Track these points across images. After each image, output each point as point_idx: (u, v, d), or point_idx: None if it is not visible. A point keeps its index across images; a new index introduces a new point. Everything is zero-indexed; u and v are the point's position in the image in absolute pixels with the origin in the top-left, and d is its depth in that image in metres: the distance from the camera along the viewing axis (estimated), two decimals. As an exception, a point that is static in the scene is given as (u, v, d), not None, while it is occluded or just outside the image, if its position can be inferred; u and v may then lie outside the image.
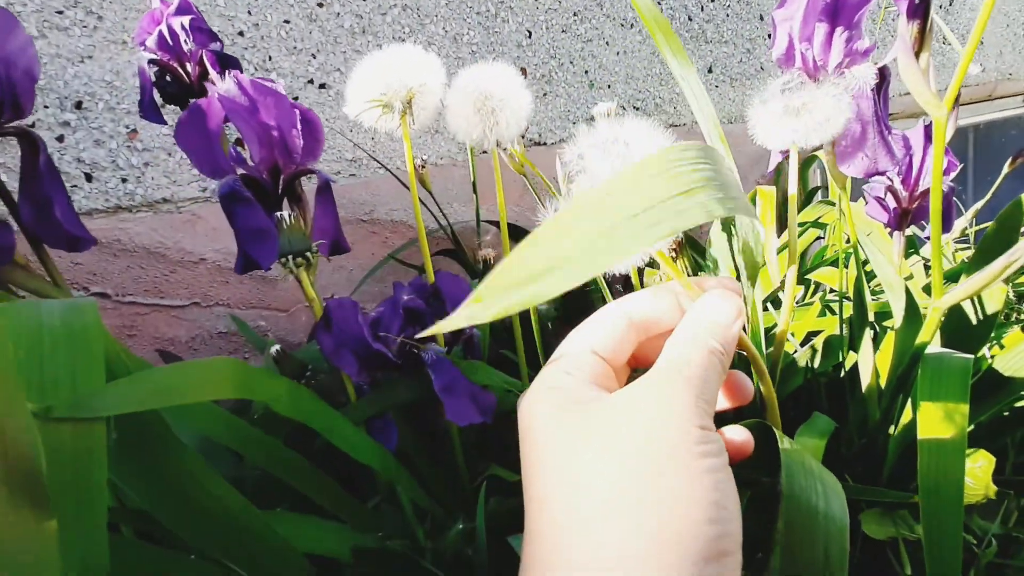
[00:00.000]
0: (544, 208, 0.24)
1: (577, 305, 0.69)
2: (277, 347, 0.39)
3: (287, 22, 0.73)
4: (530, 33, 0.91)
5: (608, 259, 0.15)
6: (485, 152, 0.95)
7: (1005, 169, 0.89)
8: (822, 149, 0.40)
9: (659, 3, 1.03)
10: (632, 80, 1.03)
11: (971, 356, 0.38)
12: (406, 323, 0.42)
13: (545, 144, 0.96)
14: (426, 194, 0.79)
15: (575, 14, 0.95)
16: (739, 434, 0.24)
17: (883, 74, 0.35)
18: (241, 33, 0.70)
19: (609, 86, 1.01)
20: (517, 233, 0.93)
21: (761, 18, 1.17)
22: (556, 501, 0.18)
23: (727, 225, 0.40)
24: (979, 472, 0.42)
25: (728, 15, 1.12)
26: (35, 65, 0.38)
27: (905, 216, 0.55)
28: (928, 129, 0.51)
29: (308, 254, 0.37)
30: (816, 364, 0.55)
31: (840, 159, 0.38)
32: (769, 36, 1.22)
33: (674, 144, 0.19)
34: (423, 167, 0.73)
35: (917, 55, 0.28)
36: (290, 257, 0.36)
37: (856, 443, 0.54)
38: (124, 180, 0.67)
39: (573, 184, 0.21)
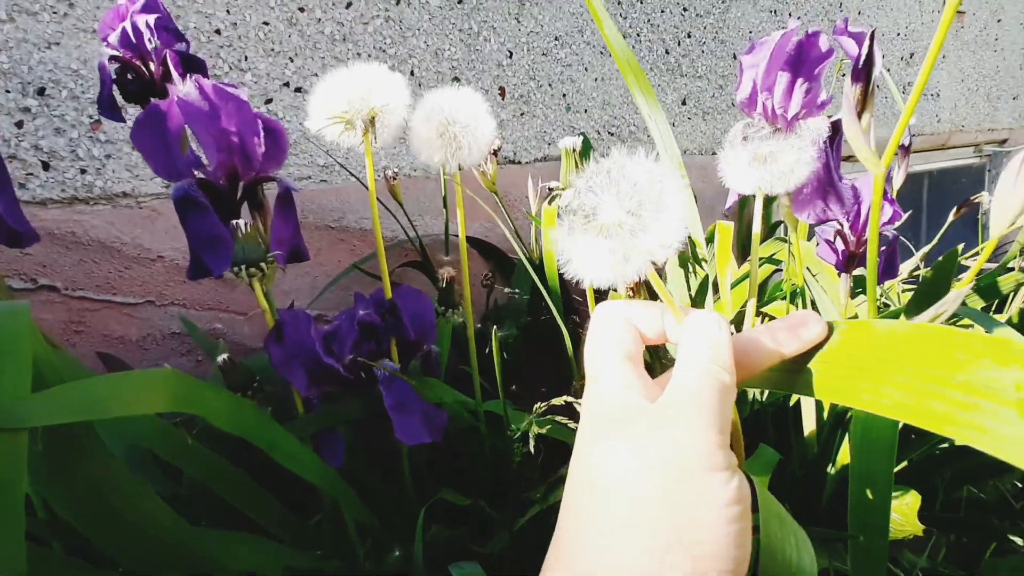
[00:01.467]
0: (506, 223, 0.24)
1: (537, 331, 0.70)
2: (225, 356, 0.38)
3: (266, 23, 0.73)
4: (511, 53, 0.93)
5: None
6: (461, 168, 0.96)
7: (951, 217, 0.94)
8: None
9: (638, 35, 1.06)
10: (608, 107, 1.05)
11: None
12: (361, 339, 0.41)
13: (519, 163, 0.97)
14: (396, 206, 0.79)
15: (556, 38, 0.97)
16: None
17: (835, 127, 0.37)
18: (218, 31, 0.70)
19: (586, 111, 1.03)
20: (486, 249, 0.93)
21: (734, 56, 1.21)
22: (582, 508, 0.19)
23: (684, 263, 0.41)
24: (906, 509, 0.44)
25: (703, 51, 1.16)
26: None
27: (852, 259, 0.58)
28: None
29: (263, 264, 0.36)
30: (764, 396, 0.57)
31: (795, 206, 0.39)
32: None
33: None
34: (395, 178, 0.73)
35: (859, 115, 0.30)
36: (243, 267, 0.35)
37: (798, 475, 0.56)
38: (83, 171, 0.65)
39: (574, 215, 0.22)
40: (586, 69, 1.01)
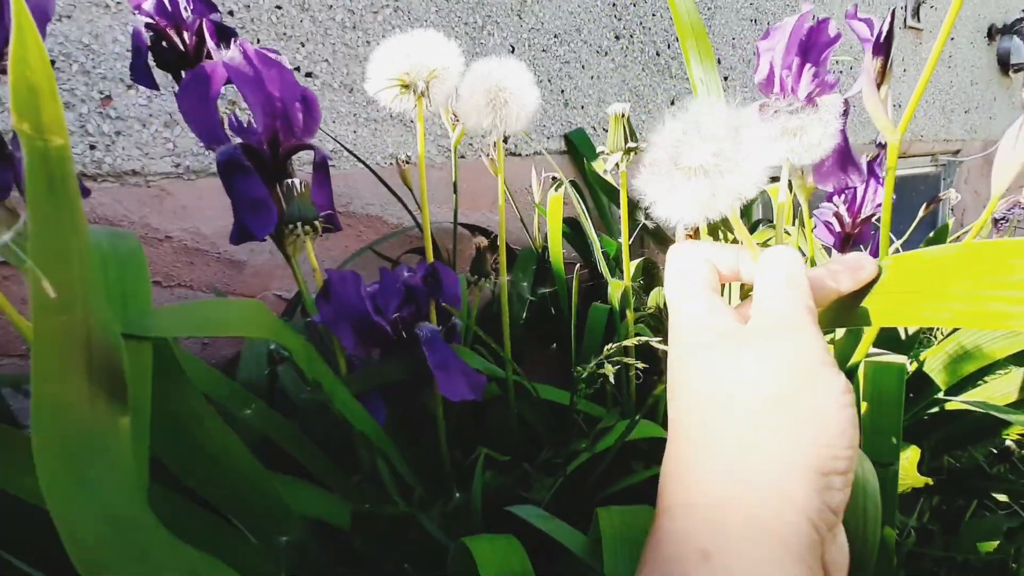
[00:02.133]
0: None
1: (538, 318, 0.72)
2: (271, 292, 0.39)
3: (279, 7, 0.73)
4: (513, 48, 0.95)
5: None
6: (463, 157, 0.97)
7: (921, 213, 1.01)
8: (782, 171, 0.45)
9: (631, 36, 1.11)
10: (603, 104, 1.09)
11: (903, 361, 0.43)
12: (404, 301, 0.43)
13: (520, 155, 0.99)
14: (403, 192, 0.80)
15: (556, 36, 1.00)
16: None
17: (846, 105, 0.40)
18: (231, 13, 0.70)
19: (583, 107, 1.06)
20: (488, 237, 0.95)
21: (719, 61, 1.27)
22: (701, 424, 0.21)
23: (712, 230, 0.44)
24: (907, 463, 0.48)
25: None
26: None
27: (848, 239, 0.62)
28: (871, 164, 0.58)
29: (316, 222, 0.37)
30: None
31: (818, 177, 0.43)
32: (726, 79, 1.32)
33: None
34: (407, 163, 0.74)
35: (879, 87, 0.33)
36: (299, 224, 0.36)
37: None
38: (92, 147, 0.64)
39: (658, 161, 0.23)
40: (583, 67, 1.05)
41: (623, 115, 0.39)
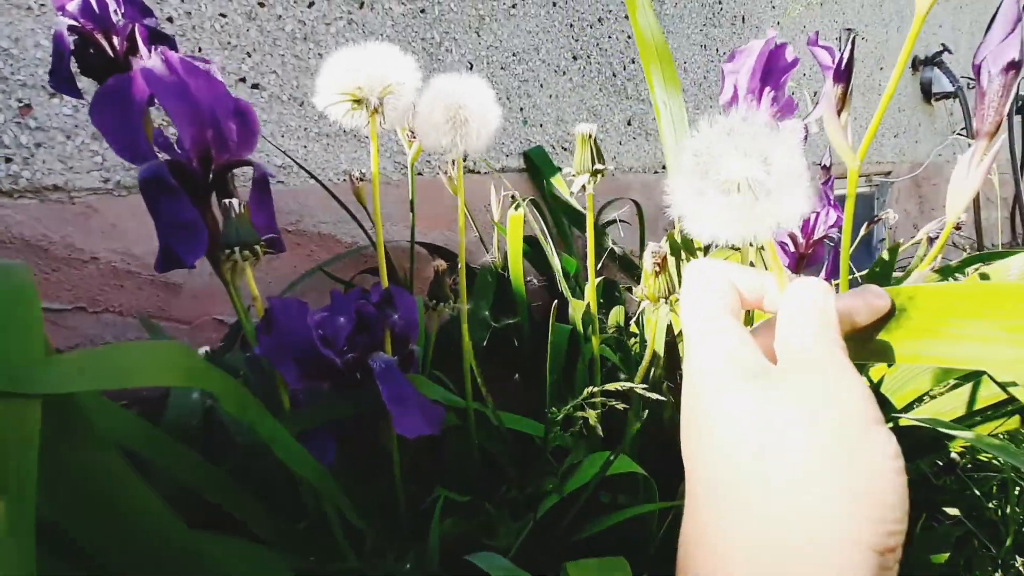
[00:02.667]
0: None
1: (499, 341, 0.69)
2: (206, 348, 0.35)
3: (223, 15, 0.69)
4: (471, 65, 0.94)
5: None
6: (421, 174, 0.95)
7: (862, 231, 1.06)
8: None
9: (588, 57, 1.12)
10: (562, 123, 1.09)
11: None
12: (355, 331, 0.40)
13: (478, 173, 0.98)
14: (357, 209, 0.77)
15: (514, 54, 1.00)
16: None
17: (806, 130, 0.41)
18: (170, 19, 0.66)
19: (541, 125, 1.06)
20: (447, 257, 0.92)
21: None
22: (738, 467, 0.18)
23: (675, 251, 0.43)
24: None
25: (643, 78, 1.24)
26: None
27: (802, 259, 0.63)
28: (823, 187, 0.59)
29: (256, 247, 0.34)
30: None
31: None
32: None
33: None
34: (360, 180, 0.71)
35: (839, 113, 0.33)
36: (237, 248, 0.33)
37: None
38: (8, 160, 0.58)
39: (691, 174, 0.21)
40: (541, 86, 1.05)
41: (590, 136, 0.38)
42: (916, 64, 2.46)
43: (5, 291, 0.17)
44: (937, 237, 1.04)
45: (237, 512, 0.33)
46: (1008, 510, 0.63)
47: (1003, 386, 0.45)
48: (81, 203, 0.63)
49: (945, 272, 0.66)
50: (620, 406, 0.34)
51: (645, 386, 0.34)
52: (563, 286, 0.75)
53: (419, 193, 0.86)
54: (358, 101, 0.34)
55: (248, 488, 0.35)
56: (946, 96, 2.47)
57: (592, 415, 0.33)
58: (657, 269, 0.33)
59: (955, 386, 0.55)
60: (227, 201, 0.33)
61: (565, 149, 1.11)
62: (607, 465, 0.35)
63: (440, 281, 0.44)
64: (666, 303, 0.33)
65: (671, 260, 0.44)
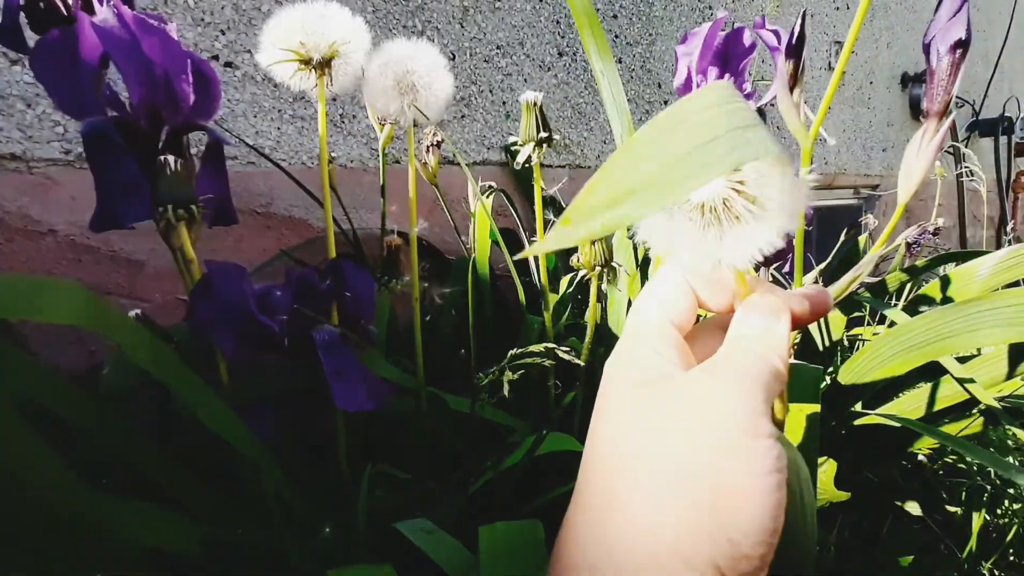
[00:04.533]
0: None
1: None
2: (137, 311, 0.34)
3: (196, -9, 0.68)
4: (454, 56, 0.94)
5: (686, 184, 0.14)
6: (398, 162, 0.94)
7: (843, 237, 1.06)
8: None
9: (574, 54, 1.12)
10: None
11: (818, 367, 0.43)
12: (296, 299, 0.38)
13: (458, 164, 0.97)
14: (331, 195, 0.75)
15: (498, 47, 0.99)
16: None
17: (760, 113, 0.40)
18: (140, -9, 0.65)
19: (524, 120, 1.05)
20: (422, 247, 0.91)
21: (659, 86, 1.30)
22: (612, 470, 0.18)
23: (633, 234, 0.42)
24: (824, 477, 0.47)
25: (632, 77, 1.24)
26: None
27: (766, 259, 0.63)
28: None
29: (192, 207, 0.33)
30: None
31: None
32: (666, 103, 1.36)
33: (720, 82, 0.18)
34: (330, 162, 0.70)
35: (791, 89, 0.33)
36: (170, 207, 0.32)
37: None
38: (-39, 125, 0.57)
39: None
40: (525, 80, 1.04)
41: (535, 104, 0.37)
42: (905, 80, 2.48)
43: None
44: (915, 242, 1.04)
45: (162, 479, 0.31)
46: (973, 514, 0.62)
47: (961, 382, 0.44)
48: (40, 173, 0.61)
49: (912, 272, 0.65)
50: (548, 363, 0.33)
51: (566, 349, 0.34)
52: (536, 278, 0.74)
53: (395, 182, 0.85)
54: (306, 62, 0.33)
55: (179, 460, 0.34)
56: (934, 113, 2.48)
57: (508, 376, 0.32)
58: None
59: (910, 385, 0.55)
60: (162, 158, 0.32)
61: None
62: (538, 443, 0.34)
63: (393, 256, 0.43)
64: (603, 271, 0.32)
65: (626, 243, 0.43)
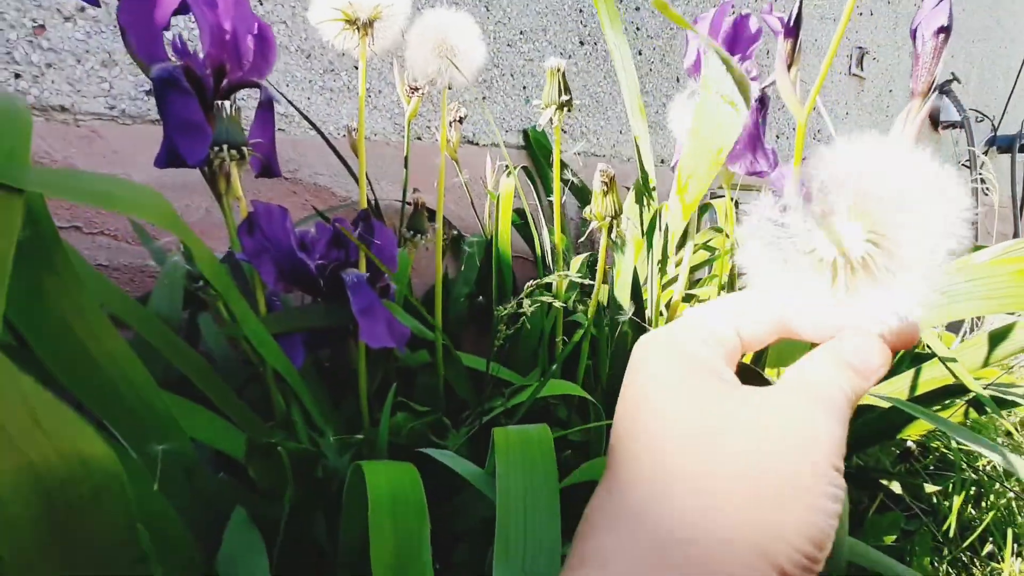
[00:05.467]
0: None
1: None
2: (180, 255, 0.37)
3: (239, -39, 0.72)
4: (478, 38, 0.97)
5: None
6: (420, 138, 0.97)
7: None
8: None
9: (595, 44, 1.14)
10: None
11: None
12: (331, 244, 0.42)
13: (478, 144, 1.00)
14: (354, 164, 0.79)
15: (521, 32, 1.02)
16: None
17: (763, 97, 0.43)
18: (187, -42, 0.68)
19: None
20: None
21: (678, 80, 1.32)
22: (677, 469, 0.18)
23: (640, 197, 0.45)
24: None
25: (651, 70, 1.26)
26: None
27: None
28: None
29: (243, 148, 0.36)
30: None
31: (728, 159, 0.45)
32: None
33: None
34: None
35: (789, 68, 0.36)
36: (225, 146, 0.35)
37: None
38: (17, 76, 0.60)
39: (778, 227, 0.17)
40: (546, 66, 1.07)
41: (559, 69, 0.40)
42: (925, 91, 2.47)
43: (8, 111, 0.19)
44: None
45: (215, 396, 0.35)
46: (954, 498, 0.65)
47: (944, 360, 0.47)
48: (86, 126, 0.65)
49: None
50: (558, 304, 0.37)
51: (580, 276, 0.37)
52: (554, 259, 0.77)
53: (417, 158, 0.88)
54: (350, 22, 0.36)
55: (224, 383, 0.37)
56: (951, 126, 2.48)
57: (527, 307, 0.35)
58: (605, 189, 0.35)
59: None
60: (219, 103, 0.35)
61: (565, 132, 1.13)
62: (542, 385, 0.37)
63: (419, 213, 0.47)
64: (614, 221, 0.35)
65: (635, 207, 0.46)
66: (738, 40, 0.45)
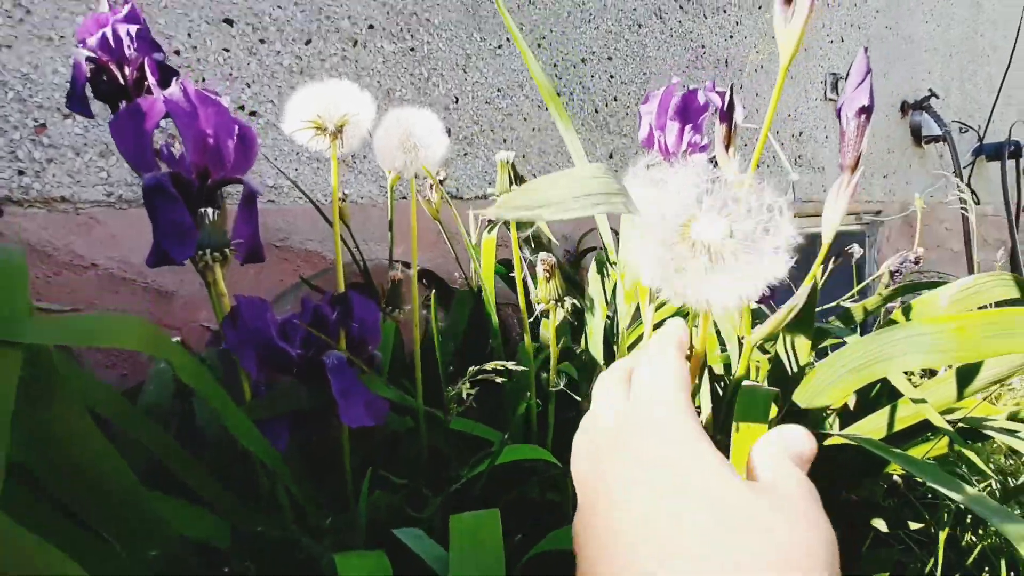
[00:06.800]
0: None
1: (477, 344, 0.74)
2: (178, 337, 0.40)
3: (226, 50, 0.77)
4: (457, 99, 1.01)
5: (569, 210, 0.21)
6: (405, 198, 1.01)
7: (830, 266, 1.10)
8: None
9: (571, 94, 1.19)
10: (544, 154, 1.16)
11: (775, 389, 0.47)
12: (312, 324, 0.44)
13: (462, 198, 1.04)
14: (343, 229, 0.82)
15: (498, 90, 1.07)
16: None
17: (714, 161, 0.46)
18: (177, 52, 0.73)
19: (524, 156, 1.12)
20: (426, 276, 0.98)
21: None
22: (646, 535, 0.19)
23: (601, 267, 0.48)
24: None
25: (627, 114, 1.31)
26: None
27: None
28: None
29: (226, 250, 0.39)
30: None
31: None
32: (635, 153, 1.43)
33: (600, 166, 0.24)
34: (343, 200, 0.77)
35: (726, 147, 0.39)
36: (208, 250, 0.38)
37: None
38: (21, 172, 0.64)
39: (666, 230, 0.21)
40: (525, 119, 1.12)
41: (508, 161, 0.43)
42: (905, 108, 2.54)
43: (3, 264, 0.22)
44: (897, 271, 1.08)
45: (197, 484, 0.37)
46: (943, 532, 0.65)
47: (914, 400, 0.49)
48: (85, 214, 0.69)
49: (843, 318, 0.70)
50: (504, 371, 0.39)
51: (522, 368, 0.39)
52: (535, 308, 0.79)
53: (404, 217, 0.92)
54: (321, 129, 0.40)
55: (207, 467, 0.39)
56: (935, 139, 2.53)
57: (465, 388, 0.38)
58: (547, 275, 0.37)
59: (869, 405, 0.58)
60: (202, 210, 0.39)
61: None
62: (499, 452, 0.39)
63: (396, 289, 0.49)
64: (559, 305, 0.38)
65: (597, 277, 0.49)
66: (688, 112, 0.49)
